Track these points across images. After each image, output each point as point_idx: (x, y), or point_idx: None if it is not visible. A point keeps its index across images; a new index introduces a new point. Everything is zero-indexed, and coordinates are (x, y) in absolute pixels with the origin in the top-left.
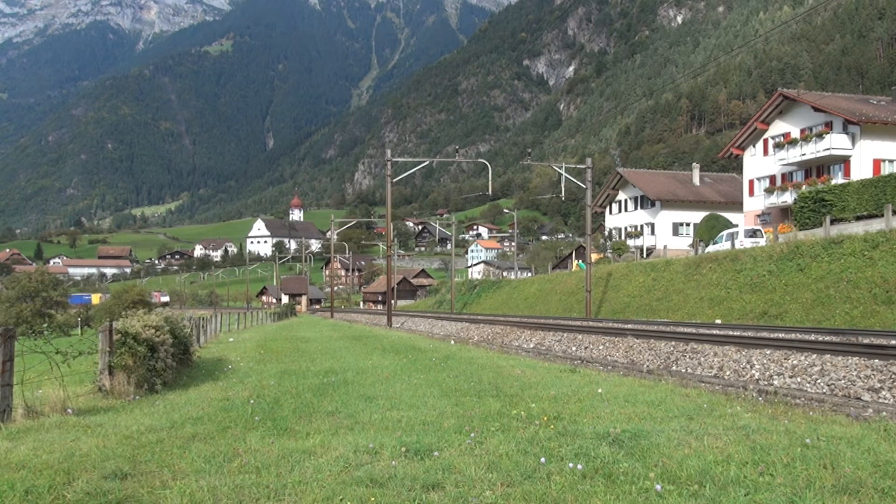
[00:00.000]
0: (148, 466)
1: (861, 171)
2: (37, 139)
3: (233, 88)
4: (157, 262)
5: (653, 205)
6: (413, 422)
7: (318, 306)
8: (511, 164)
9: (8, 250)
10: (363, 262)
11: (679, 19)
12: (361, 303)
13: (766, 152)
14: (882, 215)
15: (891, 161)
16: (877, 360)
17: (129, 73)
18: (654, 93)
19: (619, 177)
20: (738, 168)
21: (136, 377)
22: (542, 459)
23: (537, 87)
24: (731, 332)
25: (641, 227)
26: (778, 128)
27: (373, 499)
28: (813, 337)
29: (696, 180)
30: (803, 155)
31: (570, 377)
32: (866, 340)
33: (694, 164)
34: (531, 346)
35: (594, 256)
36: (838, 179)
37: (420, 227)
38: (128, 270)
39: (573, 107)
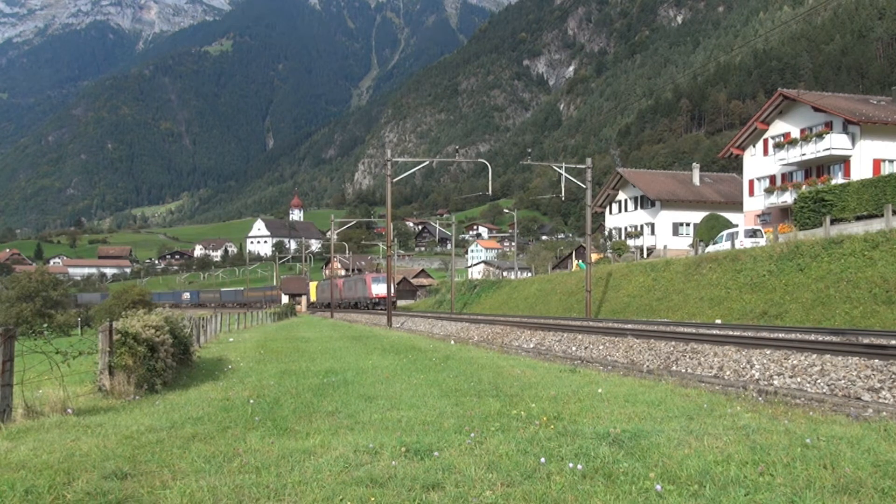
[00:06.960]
0: (148, 466)
1: (861, 171)
2: (37, 139)
3: (233, 88)
4: (157, 262)
5: (653, 205)
6: (413, 422)
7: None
8: (511, 164)
9: (8, 250)
10: (363, 262)
11: (679, 19)
12: None
13: (766, 152)
14: (882, 215)
15: (891, 161)
16: (877, 360)
17: (129, 73)
18: (654, 93)
19: (619, 177)
20: (738, 168)
21: (136, 377)
22: (542, 459)
23: (537, 87)
24: (731, 332)
25: (641, 227)
26: (778, 128)
27: (373, 499)
28: (813, 337)
29: (696, 180)
30: (803, 155)
31: (570, 377)
32: (866, 340)
33: (694, 164)
34: (531, 346)
35: (594, 256)
36: (838, 179)
37: (420, 227)
38: (128, 270)
39: (573, 107)
